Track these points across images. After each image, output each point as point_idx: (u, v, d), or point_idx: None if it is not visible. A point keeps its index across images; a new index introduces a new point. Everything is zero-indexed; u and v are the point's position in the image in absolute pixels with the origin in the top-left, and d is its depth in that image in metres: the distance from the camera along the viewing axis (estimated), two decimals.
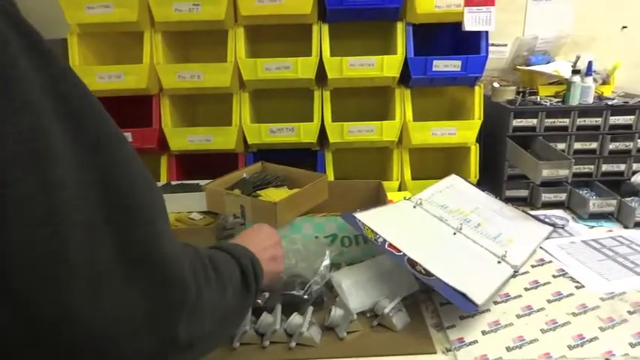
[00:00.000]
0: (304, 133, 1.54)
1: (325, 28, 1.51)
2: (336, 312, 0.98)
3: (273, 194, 1.27)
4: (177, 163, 1.61)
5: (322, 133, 1.56)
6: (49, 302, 0.39)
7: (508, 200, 1.50)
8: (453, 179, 1.48)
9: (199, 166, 1.65)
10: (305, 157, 1.60)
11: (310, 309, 0.99)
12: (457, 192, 1.42)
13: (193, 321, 0.50)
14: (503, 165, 1.54)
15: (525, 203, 1.56)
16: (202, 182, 1.47)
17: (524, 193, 1.57)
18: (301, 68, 1.49)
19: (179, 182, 1.53)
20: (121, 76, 1.48)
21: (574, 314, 1.01)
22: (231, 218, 1.45)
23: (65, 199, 0.40)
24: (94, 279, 0.40)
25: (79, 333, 0.40)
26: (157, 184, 0.51)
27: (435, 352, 0.92)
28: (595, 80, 1.58)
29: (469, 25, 1.49)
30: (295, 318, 0.96)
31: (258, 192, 1.29)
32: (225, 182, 1.34)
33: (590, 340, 0.93)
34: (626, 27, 1.85)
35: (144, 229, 0.46)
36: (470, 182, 1.50)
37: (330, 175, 1.56)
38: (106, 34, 1.56)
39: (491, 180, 1.61)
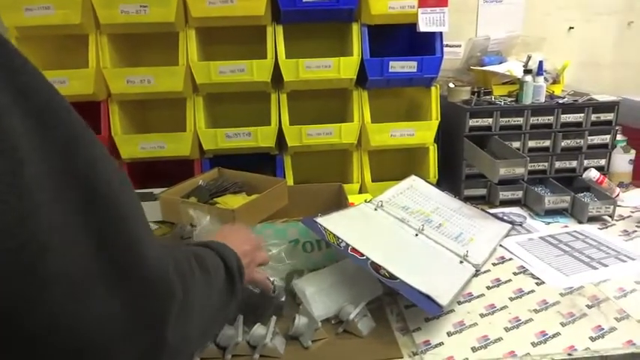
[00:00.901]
0: (262, 137, 1.50)
1: (280, 29, 1.48)
2: (300, 320, 0.95)
3: (231, 201, 1.23)
4: (129, 172, 1.53)
5: (280, 136, 1.53)
6: (34, 315, 0.36)
7: (467, 199, 1.52)
8: (413, 180, 1.48)
9: (153, 174, 1.59)
10: (263, 162, 1.57)
11: (273, 319, 0.95)
12: (417, 193, 1.42)
13: (182, 322, 0.48)
14: (461, 164, 1.56)
15: (484, 202, 1.58)
16: (156, 191, 1.41)
17: (482, 191, 1.59)
18: (256, 71, 1.45)
19: None
20: (66, 81, 1.40)
21: (536, 311, 1.02)
22: (188, 227, 1.40)
23: (39, 202, 0.36)
24: (75, 286, 0.38)
25: (66, 343, 0.38)
26: (131, 185, 0.48)
27: (401, 357, 0.90)
28: (546, 80, 1.62)
29: (423, 26, 1.49)
30: (258, 329, 0.93)
31: (215, 199, 1.25)
32: (181, 190, 1.29)
33: (553, 336, 0.94)
34: (572, 28, 1.91)
35: (124, 232, 0.43)
36: (429, 182, 1.50)
37: (290, 179, 1.53)
38: (48, 37, 1.48)
39: (449, 179, 1.63)
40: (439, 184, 1.54)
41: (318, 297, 1.02)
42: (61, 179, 0.39)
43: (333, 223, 1.12)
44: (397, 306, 1.05)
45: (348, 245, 1.05)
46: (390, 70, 1.49)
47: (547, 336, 0.94)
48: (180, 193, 1.27)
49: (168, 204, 1.22)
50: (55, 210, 0.38)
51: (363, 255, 1.03)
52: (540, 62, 1.58)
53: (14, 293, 0.36)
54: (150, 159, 1.51)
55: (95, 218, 0.40)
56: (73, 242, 0.39)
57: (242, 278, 0.69)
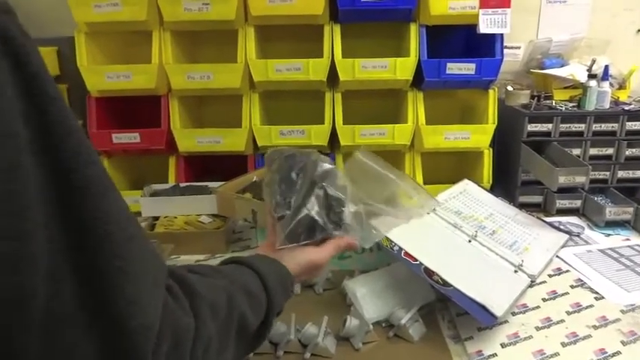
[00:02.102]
0: (315, 135, 1.51)
1: (337, 28, 1.48)
2: (352, 322, 0.96)
3: None
4: (185, 165, 1.58)
5: (333, 135, 1.54)
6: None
7: (522, 206, 1.48)
8: (466, 184, 1.45)
9: (208, 167, 1.63)
10: None
11: (325, 319, 0.96)
12: (471, 197, 1.39)
13: None
14: (517, 170, 1.52)
15: (539, 209, 1.53)
16: (211, 184, 1.45)
17: (538, 199, 1.54)
18: (312, 70, 1.46)
19: (187, 184, 1.50)
20: (130, 75, 1.45)
21: (595, 327, 0.99)
22: (241, 222, 1.43)
23: (36, 244, 0.35)
24: (50, 331, 0.36)
25: None
26: (141, 228, 0.45)
27: None
28: (611, 85, 1.55)
29: (484, 27, 1.46)
30: (310, 328, 0.94)
31: None
32: (236, 185, 1.31)
33: (613, 355, 0.91)
34: None
35: (117, 290, 0.40)
36: (483, 187, 1.47)
37: None
38: (115, 33, 1.54)
39: (504, 185, 1.59)
40: (493, 190, 1.51)
41: (370, 299, 1.02)
42: (57, 222, 0.37)
43: (386, 225, 1.12)
44: (449, 313, 1.04)
45: (401, 249, 1.05)
46: (447, 72, 1.47)
47: (607, 354, 0.91)
48: (235, 189, 1.30)
49: (224, 199, 1.25)
50: (46, 251, 0.36)
51: (416, 260, 1.02)
52: (606, 66, 1.52)
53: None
54: (206, 153, 1.55)
55: (84, 267, 0.38)
56: (57, 286, 0.37)
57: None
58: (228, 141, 1.52)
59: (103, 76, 1.44)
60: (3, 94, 0.34)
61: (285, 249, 0.73)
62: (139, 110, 1.55)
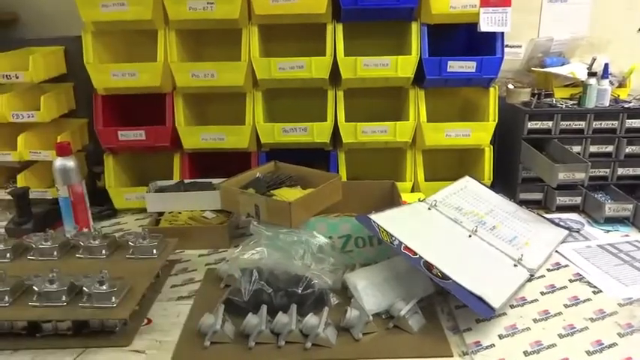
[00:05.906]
0: (317, 132, 1.53)
1: (339, 27, 1.50)
2: (352, 313, 0.97)
3: (287, 194, 1.27)
4: (190, 161, 1.61)
5: (335, 133, 1.56)
6: None
7: (522, 203, 1.49)
8: (467, 181, 1.46)
9: (212, 164, 1.65)
10: (317, 157, 1.60)
11: (326, 309, 0.98)
12: (471, 194, 1.41)
13: None
14: (518, 167, 1.53)
15: (539, 206, 1.55)
16: (215, 180, 1.47)
17: (538, 195, 1.55)
18: (315, 68, 1.48)
19: (192, 180, 1.53)
20: (135, 74, 1.47)
21: (592, 320, 1.00)
22: (244, 217, 1.45)
23: None
24: None
25: None
26: None
27: (451, 356, 0.91)
28: (611, 83, 1.56)
29: (485, 25, 1.47)
30: (311, 319, 0.95)
31: (271, 191, 1.29)
32: (239, 181, 1.33)
33: (609, 347, 0.92)
34: None
35: None
36: (483, 184, 1.49)
37: (343, 175, 1.56)
38: (121, 32, 1.56)
39: (504, 182, 1.60)
40: (493, 187, 1.52)
41: (370, 291, 1.04)
42: None
43: (386, 220, 1.14)
44: (448, 305, 1.06)
45: (401, 243, 1.06)
46: (448, 70, 1.49)
47: (603, 346, 0.92)
48: (238, 184, 1.32)
49: (228, 194, 1.27)
50: None
51: (416, 254, 1.04)
52: (606, 65, 1.53)
53: None
54: (210, 150, 1.57)
55: None
56: None
57: None
58: (232, 138, 1.54)
59: (108, 74, 1.47)
60: None
61: None
62: (145, 108, 1.57)
